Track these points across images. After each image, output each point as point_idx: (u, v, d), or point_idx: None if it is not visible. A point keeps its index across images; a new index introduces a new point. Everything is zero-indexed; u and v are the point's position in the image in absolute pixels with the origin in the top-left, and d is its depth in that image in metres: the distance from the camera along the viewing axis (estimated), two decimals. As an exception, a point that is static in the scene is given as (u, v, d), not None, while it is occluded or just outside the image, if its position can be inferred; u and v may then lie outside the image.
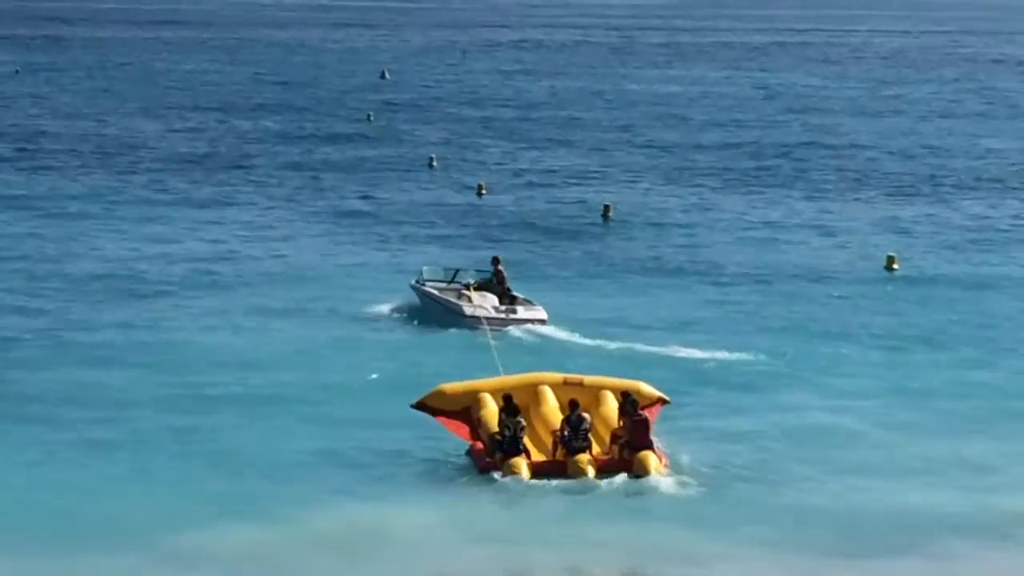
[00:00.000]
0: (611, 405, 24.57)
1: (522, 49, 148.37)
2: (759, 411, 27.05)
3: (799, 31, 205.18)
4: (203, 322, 33.36)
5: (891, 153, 66.11)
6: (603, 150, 66.37)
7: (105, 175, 55.93)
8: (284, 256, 41.38)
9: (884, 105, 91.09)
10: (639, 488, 22.60)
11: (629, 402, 23.83)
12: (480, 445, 23.88)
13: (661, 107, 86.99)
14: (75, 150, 62.45)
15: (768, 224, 47.28)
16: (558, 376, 25.43)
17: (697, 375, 29.24)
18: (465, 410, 24.48)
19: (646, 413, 24.03)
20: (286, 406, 26.77)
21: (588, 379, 25.38)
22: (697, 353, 30.56)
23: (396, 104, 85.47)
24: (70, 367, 29.17)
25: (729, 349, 30.89)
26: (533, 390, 24.82)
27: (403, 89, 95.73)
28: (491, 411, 24.07)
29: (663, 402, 25.24)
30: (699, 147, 67.46)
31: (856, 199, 53.34)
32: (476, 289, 33.37)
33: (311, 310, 34.57)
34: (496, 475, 22.90)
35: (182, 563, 19.88)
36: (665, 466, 23.31)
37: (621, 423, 23.87)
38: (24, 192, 50.94)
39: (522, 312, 32.78)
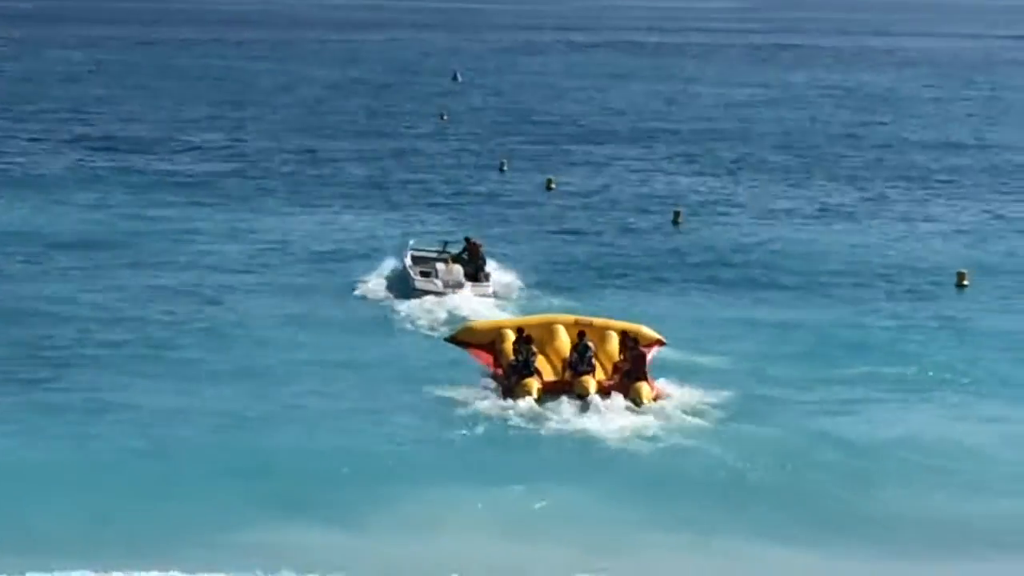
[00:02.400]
0: (615, 343, 28.29)
1: (595, 51, 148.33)
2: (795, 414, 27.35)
3: (873, 34, 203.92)
4: (276, 319, 33.79)
5: (977, 159, 65.53)
6: (676, 154, 66.24)
7: (185, 173, 56.85)
8: (357, 255, 41.77)
9: (964, 108, 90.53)
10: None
11: (630, 339, 27.82)
12: (500, 371, 27.88)
13: (734, 111, 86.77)
14: (148, 150, 63.19)
15: (840, 232, 46.82)
16: (570, 317, 29.47)
17: (751, 384, 28.95)
18: (490, 343, 28.65)
19: (644, 349, 27.84)
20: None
21: (597, 321, 29.23)
22: (745, 364, 30.23)
23: (468, 106, 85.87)
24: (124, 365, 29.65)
25: (786, 363, 30.79)
26: (549, 328, 28.82)
27: (475, 91, 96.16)
28: (511, 343, 28.02)
29: (660, 343, 29.09)
30: (773, 151, 67.16)
31: (938, 205, 52.87)
32: (453, 261, 37.03)
33: (377, 304, 35.35)
34: (509, 401, 26.53)
35: (232, 556, 20.55)
36: (656, 396, 26.97)
37: (622, 356, 27.69)
38: (100, 192, 51.53)
39: (467, 288, 35.86)
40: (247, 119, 76.55)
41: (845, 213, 50.94)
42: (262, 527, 21.80)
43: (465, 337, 29.43)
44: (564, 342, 28.33)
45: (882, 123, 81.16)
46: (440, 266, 37.02)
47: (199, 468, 24.04)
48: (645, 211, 50.31)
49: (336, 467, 24.12)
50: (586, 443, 25.48)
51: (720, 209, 50.98)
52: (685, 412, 26.82)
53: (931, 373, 30.54)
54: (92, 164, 58.50)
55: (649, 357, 28.15)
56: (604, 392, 26.88)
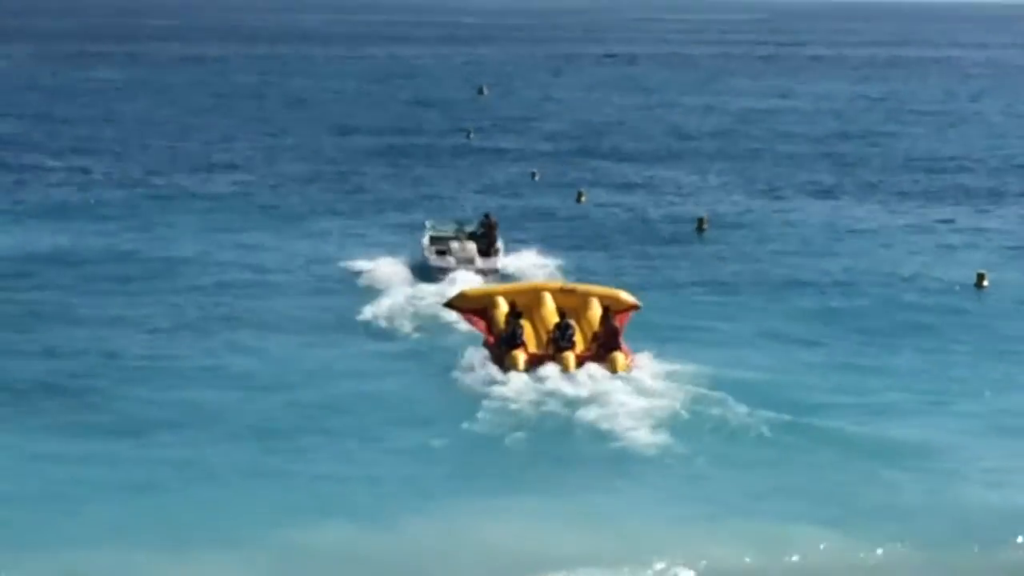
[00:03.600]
0: (596, 310, 30.89)
1: (619, 64, 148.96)
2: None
3: (895, 44, 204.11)
4: (306, 335, 33.94)
5: (989, 166, 66.24)
6: (699, 162, 67.07)
7: (210, 189, 57.47)
8: (387, 268, 41.83)
9: (983, 118, 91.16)
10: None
11: (607, 312, 30.23)
12: (492, 339, 30.25)
13: (756, 121, 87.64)
14: (174, 167, 63.81)
15: (861, 237, 47.45)
16: (556, 284, 33.27)
17: (761, 392, 28.96)
18: (483, 309, 31.22)
19: (619, 321, 30.45)
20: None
21: (580, 287, 32.51)
22: (762, 375, 30.32)
23: (495, 120, 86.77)
24: (165, 384, 29.69)
25: (805, 369, 31.17)
26: (537, 294, 31.67)
27: (501, 105, 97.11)
28: (502, 311, 30.58)
29: (635, 308, 31.80)
30: (794, 160, 67.92)
31: (956, 210, 53.53)
32: (468, 238, 40.18)
33: (413, 315, 35.83)
34: (497, 366, 28.99)
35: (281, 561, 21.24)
36: (630, 364, 29.35)
37: (601, 327, 30.05)
38: (117, 209, 51.98)
39: (479, 262, 38.83)
40: (273, 135, 77.49)
41: (867, 219, 51.66)
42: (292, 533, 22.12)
43: (459, 303, 32.00)
44: (551, 310, 31.05)
45: (905, 132, 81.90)
46: (455, 244, 39.86)
47: (219, 480, 24.31)
48: (672, 220, 51.22)
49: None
50: (569, 419, 27.15)
51: (745, 218, 51.70)
52: (657, 379, 28.89)
53: (944, 370, 31.21)
54: (111, 181, 59.01)
55: (625, 320, 31.14)
56: (582, 361, 29.33)
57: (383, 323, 34.53)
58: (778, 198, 56.82)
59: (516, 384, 28.41)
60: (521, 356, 29.33)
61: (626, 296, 32.04)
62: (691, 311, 36.47)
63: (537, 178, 59.90)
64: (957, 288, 39.62)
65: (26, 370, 30.13)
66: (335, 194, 56.89)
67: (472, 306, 31.72)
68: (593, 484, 24.24)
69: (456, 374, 29.65)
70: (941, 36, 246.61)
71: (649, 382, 28.56)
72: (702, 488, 24.20)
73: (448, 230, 41.86)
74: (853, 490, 24.13)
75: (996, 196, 57.48)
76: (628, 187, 59.50)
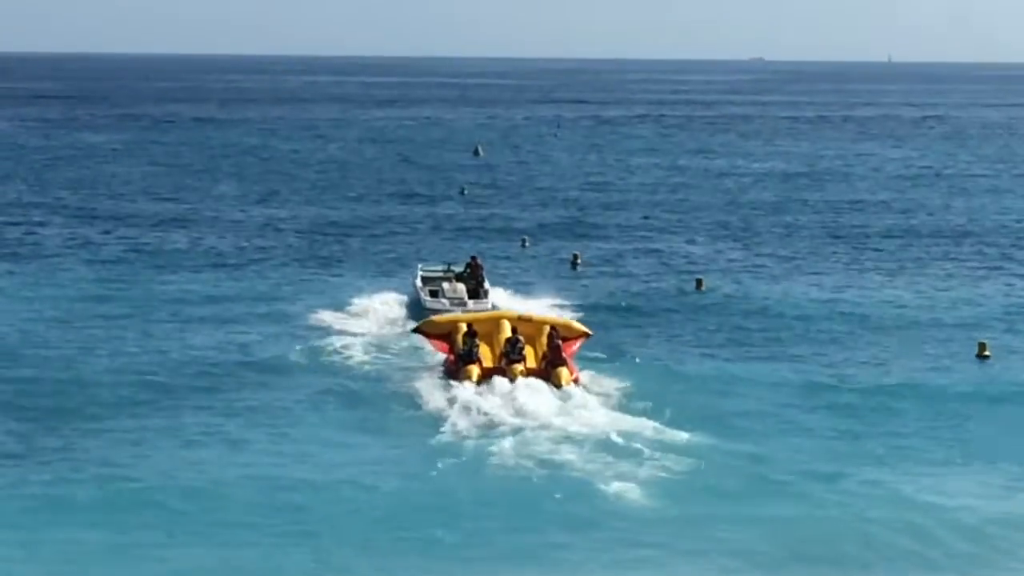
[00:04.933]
0: (547, 336, 34.34)
1: (615, 124, 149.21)
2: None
3: (894, 104, 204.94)
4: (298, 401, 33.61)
5: (992, 232, 65.38)
6: (696, 224, 66.41)
7: (210, 245, 57.35)
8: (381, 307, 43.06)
9: (983, 179, 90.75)
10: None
11: (555, 331, 34.20)
12: (452, 359, 33.96)
13: (750, 182, 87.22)
14: (179, 224, 63.79)
15: (856, 303, 46.14)
16: (515, 313, 36.86)
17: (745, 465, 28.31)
18: (447, 334, 34.92)
19: (569, 347, 34.24)
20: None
21: (535, 316, 36.48)
22: (745, 446, 29.51)
23: (489, 181, 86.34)
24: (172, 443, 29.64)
25: (791, 443, 30.13)
26: (496, 322, 35.44)
27: (496, 166, 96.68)
28: (462, 334, 34.05)
29: (586, 335, 35.80)
30: (791, 223, 67.23)
31: (960, 274, 52.45)
32: (456, 278, 42.91)
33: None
34: (455, 382, 32.59)
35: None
36: (574, 380, 32.82)
37: (548, 346, 33.70)
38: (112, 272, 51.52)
39: (470, 304, 41.07)
40: (268, 193, 77.30)
41: (864, 280, 50.77)
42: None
43: (426, 328, 35.84)
44: (507, 334, 34.42)
45: (899, 192, 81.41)
46: (446, 285, 42.60)
47: (221, 519, 24.65)
48: (669, 279, 50.52)
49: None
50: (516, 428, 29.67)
51: (741, 277, 50.96)
52: (597, 394, 32.28)
53: (942, 440, 30.36)
54: (108, 238, 58.95)
55: (576, 347, 35.27)
56: (530, 375, 32.96)
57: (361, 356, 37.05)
58: (773, 260, 56.01)
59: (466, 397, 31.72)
60: (475, 370, 33.12)
61: (577, 325, 36.35)
62: (678, 372, 36.04)
63: (527, 243, 58.89)
64: (956, 356, 38.54)
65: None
66: (325, 251, 56.70)
67: (437, 331, 35.54)
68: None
69: (414, 397, 32.59)
70: (940, 97, 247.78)
71: (591, 399, 31.74)
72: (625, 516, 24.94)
73: (437, 271, 45.33)
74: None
75: (1002, 259, 56.36)
76: (622, 247, 58.82)
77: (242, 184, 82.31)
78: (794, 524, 24.81)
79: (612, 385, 33.47)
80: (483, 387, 32.32)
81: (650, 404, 31.60)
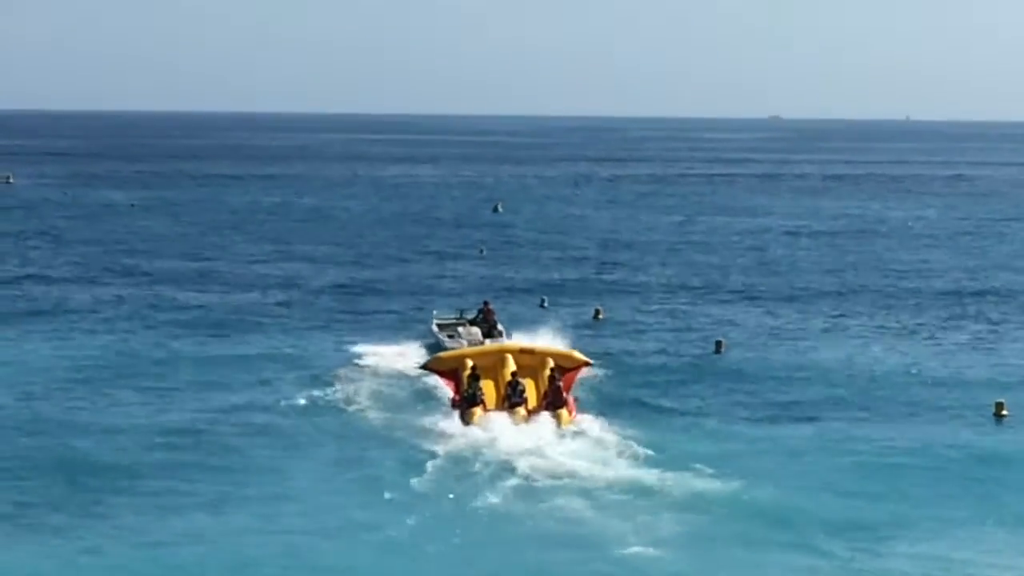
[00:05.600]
0: (549, 368, 36.14)
1: (635, 182, 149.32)
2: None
3: (911, 163, 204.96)
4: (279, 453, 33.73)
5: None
6: (717, 284, 66.08)
7: (226, 302, 57.24)
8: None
9: (999, 240, 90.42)
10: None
11: (554, 374, 35.53)
12: (458, 397, 35.52)
13: (770, 240, 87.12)
14: (188, 283, 63.68)
15: (874, 362, 45.75)
16: (517, 345, 38.82)
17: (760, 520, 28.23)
18: (453, 371, 36.55)
19: (570, 377, 36.34)
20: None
21: (538, 348, 38.45)
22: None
23: (508, 238, 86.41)
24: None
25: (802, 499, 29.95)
26: (500, 356, 36.89)
27: (515, 223, 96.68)
28: (468, 373, 35.78)
29: (587, 364, 37.89)
30: (812, 283, 66.79)
31: (978, 335, 51.93)
32: (470, 323, 45.59)
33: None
34: (460, 421, 34.20)
35: None
36: (572, 420, 34.15)
37: (549, 386, 35.17)
38: (139, 323, 51.86)
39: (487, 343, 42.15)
40: (288, 249, 77.50)
41: (882, 339, 50.41)
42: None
43: (434, 365, 37.78)
44: (511, 368, 36.07)
45: (917, 251, 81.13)
46: (461, 329, 44.98)
47: None
48: (689, 338, 50.15)
49: None
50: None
51: (760, 339, 50.53)
52: (607, 445, 32.79)
53: (958, 499, 30.11)
54: (128, 295, 58.92)
55: (578, 376, 37.27)
56: (531, 415, 34.25)
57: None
58: (793, 316, 55.83)
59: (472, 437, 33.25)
60: (479, 412, 34.45)
61: (578, 355, 38.14)
62: (693, 427, 36.09)
63: (546, 304, 58.43)
64: (972, 416, 38.18)
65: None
66: (342, 309, 56.50)
67: (444, 368, 37.31)
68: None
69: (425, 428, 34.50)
70: (959, 154, 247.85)
71: (601, 450, 32.22)
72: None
73: (451, 317, 47.51)
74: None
75: (1017, 321, 55.75)
76: (643, 306, 58.39)
77: (259, 241, 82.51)
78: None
79: (624, 435, 33.43)
80: (487, 430, 33.26)
81: (665, 456, 31.69)
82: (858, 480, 31.50)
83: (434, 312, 49.11)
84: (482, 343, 42.18)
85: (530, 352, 37.11)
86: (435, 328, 45.88)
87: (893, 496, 30.09)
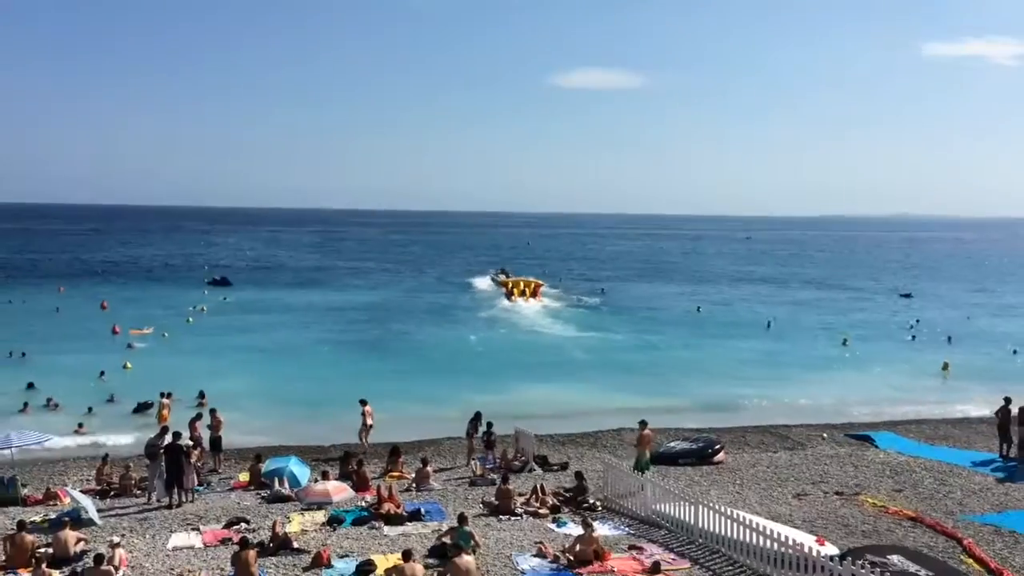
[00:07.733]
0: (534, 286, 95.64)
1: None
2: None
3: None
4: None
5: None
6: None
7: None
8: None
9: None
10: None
11: (536, 289, 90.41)
12: (507, 291, 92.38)
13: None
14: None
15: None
16: (521, 279, 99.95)
17: None
18: (504, 284, 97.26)
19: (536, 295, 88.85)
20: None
21: (531, 279, 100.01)
22: None
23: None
24: None
25: None
26: (519, 280, 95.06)
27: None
28: (509, 285, 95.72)
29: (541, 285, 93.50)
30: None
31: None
32: (501, 272, 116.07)
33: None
34: (507, 300, 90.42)
35: None
36: (539, 300, 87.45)
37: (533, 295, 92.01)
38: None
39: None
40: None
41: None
42: None
43: (499, 281, 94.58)
44: (523, 284, 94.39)
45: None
46: (501, 276, 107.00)
47: None
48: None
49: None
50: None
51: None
52: None
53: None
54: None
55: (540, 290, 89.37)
56: (529, 299, 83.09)
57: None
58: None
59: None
60: (516, 296, 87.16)
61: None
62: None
63: None
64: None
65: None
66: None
67: (502, 284, 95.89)
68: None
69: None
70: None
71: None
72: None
73: (498, 271, 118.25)
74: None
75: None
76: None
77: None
78: None
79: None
80: (516, 304, 74.90)
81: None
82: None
83: (491, 270, 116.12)
84: (509, 277, 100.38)
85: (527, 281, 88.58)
86: (492, 273, 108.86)
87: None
